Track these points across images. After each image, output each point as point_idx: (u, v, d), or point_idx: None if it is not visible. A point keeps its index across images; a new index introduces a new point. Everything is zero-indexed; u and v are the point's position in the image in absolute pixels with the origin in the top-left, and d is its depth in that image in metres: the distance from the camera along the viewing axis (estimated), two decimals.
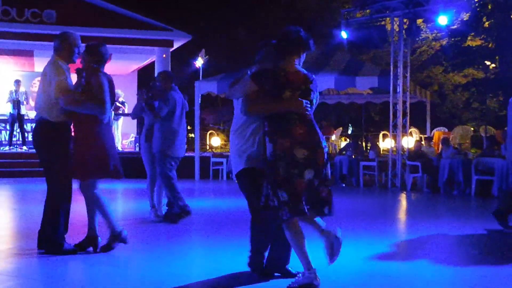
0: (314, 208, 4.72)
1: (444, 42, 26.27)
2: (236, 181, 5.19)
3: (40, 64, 21.55)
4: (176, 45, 20.55)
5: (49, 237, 6.07)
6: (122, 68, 22.58)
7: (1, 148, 19.09)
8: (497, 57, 26.23)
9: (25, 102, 19.24)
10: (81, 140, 6.12)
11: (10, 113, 18.64)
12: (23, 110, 19.02)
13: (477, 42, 26.32)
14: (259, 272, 5.12)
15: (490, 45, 26.12)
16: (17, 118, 18.72)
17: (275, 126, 4.73)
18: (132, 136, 21.26)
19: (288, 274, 5.10)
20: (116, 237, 6.23)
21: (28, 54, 20.18)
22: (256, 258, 5.14)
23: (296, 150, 4.63)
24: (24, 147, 18.78)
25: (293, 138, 4.66)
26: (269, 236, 5.11)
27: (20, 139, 19.25)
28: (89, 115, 6.08)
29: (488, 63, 27.64)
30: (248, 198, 5.13)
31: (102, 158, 6.10)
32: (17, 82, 19.00)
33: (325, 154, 4.76)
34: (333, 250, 4.69)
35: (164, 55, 20.09)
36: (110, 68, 21.77)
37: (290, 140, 4.65)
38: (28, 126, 19.68)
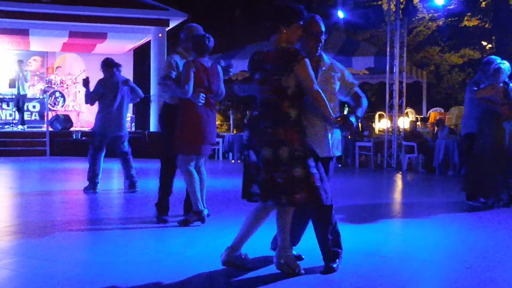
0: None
1: (440, 23, 26.17)
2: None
3: (35, 43, 21.40)
4: (172, 24, 20.45)
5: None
6: (117, 48, 22.46)
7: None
8: (493, 38, 26.12)
9: (28, 80, 19.42)
10: (181, 119, 6.56)
11: (16, 92, 18.75)
12: (25, 90, 19.12)
13: (474, 22, 26.20)
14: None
15: (487, 26, 26.02)
16: (20, 97, 18.83)
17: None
18: (129, 116, 21.22)
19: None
20: (197, 214, 6.60)
21: (23, 33, 20.06)
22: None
23: None
24: (20, 126, 18.78)
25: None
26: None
27: (18, 118, 19.29)
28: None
29: (484, 43, 27.56)
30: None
31: (195, 136, 6.53)
32: (20, 62, 19.17)
33: None
34: None
35: (160, 35, 20.00)
36: (105, 47, 21.57)
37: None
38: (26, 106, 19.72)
